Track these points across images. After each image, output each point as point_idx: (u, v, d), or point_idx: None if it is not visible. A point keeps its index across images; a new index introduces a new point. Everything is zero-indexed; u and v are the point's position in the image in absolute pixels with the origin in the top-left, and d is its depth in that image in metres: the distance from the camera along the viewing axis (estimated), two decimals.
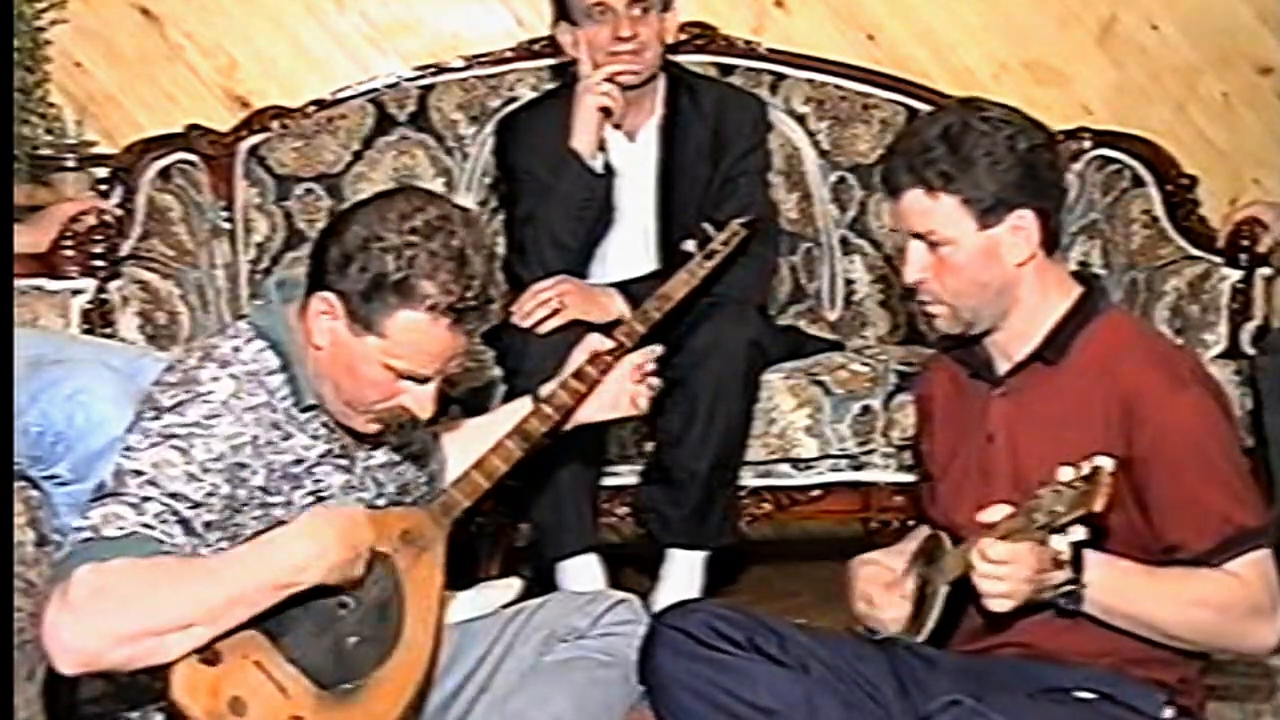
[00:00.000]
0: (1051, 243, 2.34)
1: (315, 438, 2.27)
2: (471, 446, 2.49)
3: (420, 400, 2.23)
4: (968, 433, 2.41)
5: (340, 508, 2.22)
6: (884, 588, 2.45)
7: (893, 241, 2.50)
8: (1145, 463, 2.23)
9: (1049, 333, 2.34)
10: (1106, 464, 2.06)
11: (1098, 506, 2.05)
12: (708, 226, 3.02)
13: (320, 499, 2.27)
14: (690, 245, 2.99)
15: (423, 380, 2.22)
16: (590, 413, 2.61)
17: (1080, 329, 2.33)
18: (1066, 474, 2.09)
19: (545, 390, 2.57)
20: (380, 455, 2.38)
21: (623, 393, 2.61)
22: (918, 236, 2.31)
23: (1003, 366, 2.38)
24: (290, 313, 2.28)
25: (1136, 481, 2.24)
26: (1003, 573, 2.15)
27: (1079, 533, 2.10)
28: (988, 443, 2.37)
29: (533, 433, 2.46)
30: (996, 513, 2.19)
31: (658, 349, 2.67)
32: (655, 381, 2.64)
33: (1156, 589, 2.25)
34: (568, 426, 2.59)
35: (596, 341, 2.62)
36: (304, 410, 2.25)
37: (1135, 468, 2.23)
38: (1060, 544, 2.11)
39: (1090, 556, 2.21)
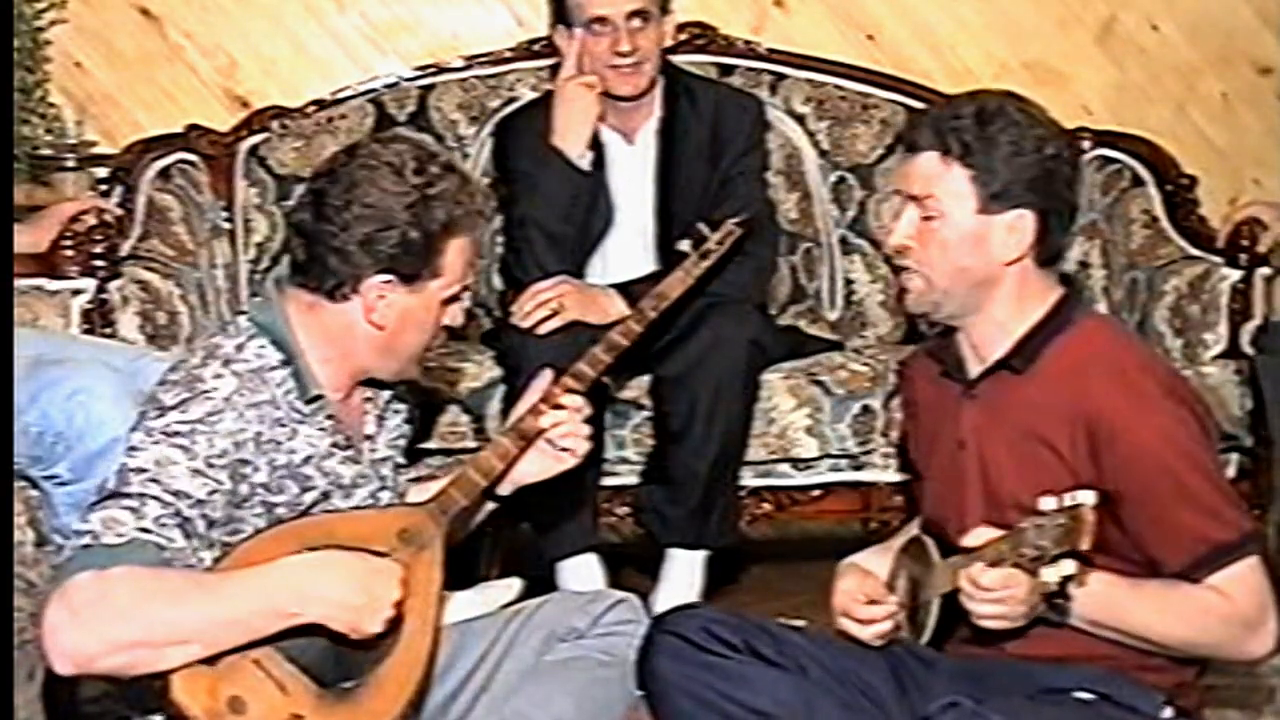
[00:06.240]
0: (1046, 254, 2.31)
1: (321, 430, 2.27)
2: None
3: (460, 314, 2.34)
4: (942, 435, 2.40)
5: (375, 559, 2.19)
6: (864, 602, 2.40)
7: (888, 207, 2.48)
8: (1115, 488, 2.20)
9: (1018, 340, 2.31)
10: (1088, 500, 2.04)
11: (1083, 545, 2.04)
12: (702, 226, 3.04)
13: (334, 489, 2.28)
14: (685, 245, 3.02)
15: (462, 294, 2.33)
16: (533, 470, 2.50)
17: (1051, 338, 2.30)
18: (1049, 504, 2.07)
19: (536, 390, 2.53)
20: (383, 447, 2.40)
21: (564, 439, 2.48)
22: (914, 200, 2.30)
23: (974, 369, 2.36)
24: (289, 307, 2.29)
25: (1109, 504, 2.19)
26: (997, 597, 2.15)
27: (1068, 566, 2.07)
28: (959, 448, 2.36)
29: (528, 430, 2.45)
30: (979, 536, 2.18)
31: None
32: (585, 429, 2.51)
33: (1141, 603, 2.23)
34: (508, 490, 2.50)
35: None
36: (309, 402, 2.26)
37: (1106, 491, 2.18)
38: (1050, 575, 2.08)
39: None
